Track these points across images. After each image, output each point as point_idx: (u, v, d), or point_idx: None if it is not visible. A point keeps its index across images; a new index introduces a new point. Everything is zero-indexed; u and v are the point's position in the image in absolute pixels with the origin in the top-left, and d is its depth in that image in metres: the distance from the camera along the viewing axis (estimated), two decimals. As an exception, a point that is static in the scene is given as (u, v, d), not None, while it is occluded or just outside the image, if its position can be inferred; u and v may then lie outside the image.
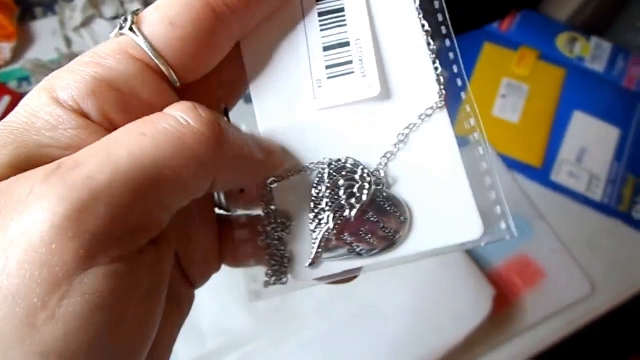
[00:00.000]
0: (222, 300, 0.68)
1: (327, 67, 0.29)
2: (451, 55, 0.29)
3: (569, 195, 0.78)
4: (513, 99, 0.83)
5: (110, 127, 0.24)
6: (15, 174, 0.22)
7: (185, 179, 0.23)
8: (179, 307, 0.30)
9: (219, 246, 0.32)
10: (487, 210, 0.28)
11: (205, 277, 0.32)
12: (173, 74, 0.26)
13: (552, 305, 0.72)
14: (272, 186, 0.29)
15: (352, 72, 0.28)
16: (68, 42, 0.85)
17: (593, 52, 0.86)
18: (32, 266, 0.19)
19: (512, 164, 0.80)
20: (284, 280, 0.29)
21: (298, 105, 0.29)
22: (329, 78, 0.29)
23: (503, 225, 0.28)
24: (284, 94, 0.29)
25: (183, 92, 0.28)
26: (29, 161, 0.22)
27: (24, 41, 0.85)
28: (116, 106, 0.24)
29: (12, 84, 0.82)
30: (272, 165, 0.28)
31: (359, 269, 0.29)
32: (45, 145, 0.23)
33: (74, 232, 0.19)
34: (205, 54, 0.27)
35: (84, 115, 0.24)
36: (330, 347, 0.68)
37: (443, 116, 0.29)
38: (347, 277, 0.29)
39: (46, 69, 0.81)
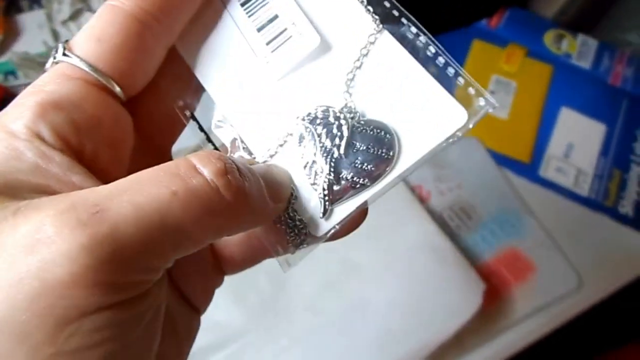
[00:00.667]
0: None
1: (267, 44, 0.30)
2: (431, 49, 0.30)
3: (557, 190, 0.79)
4: (501, 95, 0.84)
5: (65, 147, 0.24)
6: None
7: (205, 239, 0.24)
8: (182, 333, 0.30)
9: (211, 256, 0.32)
10: (462, 95, 0.29)
11: (207, 296, 0.32)
12: (113, 83, 0.27)
13: (541, 298, 0.73)
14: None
15: (290, 37, 0.30)
16: (55, 35, 0.84)
17: (580, 49, 0.87)
18: (43, 305, 0.19)
19: (501, 160, 0.81)
20: (306, 243, 0.30)
21: (254, 85, 0.31)
22: (272, 52, 0.30)
23: (482, 101, 0.28)
24: (236, 80, 0.31)
25: (136, 104, 0.29)
26: (2, 190, 0.22)
27: (9, 35, 0.84)
28: (67, 124, 0.24)
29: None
30: (281, 208, 0.29)
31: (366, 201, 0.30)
32: (12, 172, 0.23)
33: (93, 282, 0.20)
34: (139, 61, 0.28)
35: (40, 138, 0.24)
36: (321, 341, 0.68)
37: (385, 36, 0.30)
38: (360, 215, 0.30)
39: (34, 62, 0.80)
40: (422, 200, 0.78)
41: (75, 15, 0.86)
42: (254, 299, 0.70)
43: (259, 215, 0.27)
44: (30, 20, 0.87)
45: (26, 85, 0.27)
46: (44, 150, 0.24)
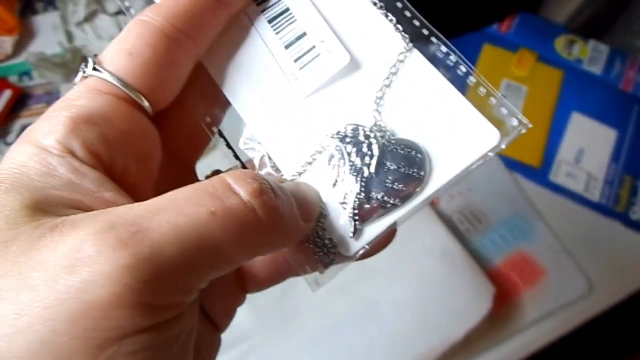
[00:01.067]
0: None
1: (295, 61, 0.30)
2: (442, 49, 0.30)
3: (568, 195, 0.79)
4: (512, 100, 0.83)
5: (97, 162, 0.24)
6: (27, 216, 0.21)
7: (241, 259, 0.24)
8: (205, 352, 0.30)
9: (235, 274, 0.32)
10: (494, 115, 0.28)
11: (229, 314, 0.32)
12: (142, 98, 0.27)
13: (550, 303, 0.72)
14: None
15: (319, 54, 0.30)
16: (69, 36, 0.85)
17: (591, 55, 0.87)
18: (83, 327, 0.19)
19: (512, 164, 0.81)
20: (335, 262, 0.29)
21: (282, 102, 0.30)
22: (300, 69, 0.30)
23: (514, 122, 0.28)
24: (263, 97, 0.31)
25: (163, 119, 0.29)
26: (36, 205, 0.22)
27: (25, 35, 0.85)
28: (98, 140, 0.24)
29: (13, 78, 0.81)
30: (311, 227, 0.29)
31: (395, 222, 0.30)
32: (45, 188, 0.23)
33: (134, 303, 0.20)
34: (167, 76, 0.28)
35: (72, 154, 0.24)
36: (329, 344, 0.68)
37: (415, 55, 0.30)
38: (389, 235, 0.30)
39: (49, 62, 0.80)
40: (432, 203, 0.77)
41: (89, 17, 0.86)
42: (263, 300, 0.69)
43: (290, 235, 0.27)
44: (45, 22, 0.88)
45: (41, 85, 0.27)
46: (77, 166, 0.24)
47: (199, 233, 0.21)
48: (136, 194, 0.25)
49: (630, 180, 0.79)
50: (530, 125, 0.28)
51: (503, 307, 0.71)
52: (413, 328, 0.68)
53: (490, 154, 0.28)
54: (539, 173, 0.80)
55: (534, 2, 0.92)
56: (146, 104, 0.27)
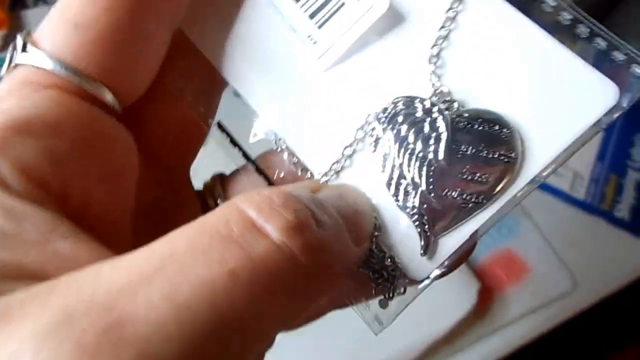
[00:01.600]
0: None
1: (311, 16, 0.22)
2: None
3: (554, 193, 0.78)
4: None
5: (40, 193, 0.16)
6: None
7: (279, 327, 0.16)
8: None
9: None
10: (605, 63, 0.21)
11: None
12: (103, 88, 0.18)
13: (535, 299, 0.72)
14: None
15: (344, 3, 0.21)
16: (60, 31, 0.84)
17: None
18: None
19: (498, 162, 0.80)
20: (401, 289, 0.21)
21: (301, 78, 0.22)
22: (320, 27, 0.21)
23: (637, 69, 0.20)
24: (276, 73, 0.22)
25: (137, 114, 0.20)
26: None
27: (15, 29, 0.81)
28: (39, 158, 0.16)
29: (3, 72, 0.81)
30: (365, 249, 0.20)
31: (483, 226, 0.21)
32: None
33: None
34: (135, 54, 0.19)
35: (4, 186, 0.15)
36: (313, 339, 0.66)
37: None
38: (470, 247, 0.22)
39: (38, 56, 0.80)
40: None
41: (80, 11, 0.86)
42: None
43: (342, 271, 0.18)
44: (36, 16, 0.84)
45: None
46: (8, 204, 0.15)
47: (216, 309, 0.13)
48: (107, 232, 0.17)
49: (615, 179, 0.78)
50: None
51: (488, 303, 0.71)
52: (397, 323, 0.67)
53: (606, 118, 0.20)
54: None
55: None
56: (109, 97, 0.19)
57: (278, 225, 0.15)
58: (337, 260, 0.17)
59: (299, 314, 0.17)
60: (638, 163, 0.79)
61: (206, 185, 0.25)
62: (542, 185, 0.76)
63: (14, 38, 0.74)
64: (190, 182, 0.25)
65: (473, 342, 0.70)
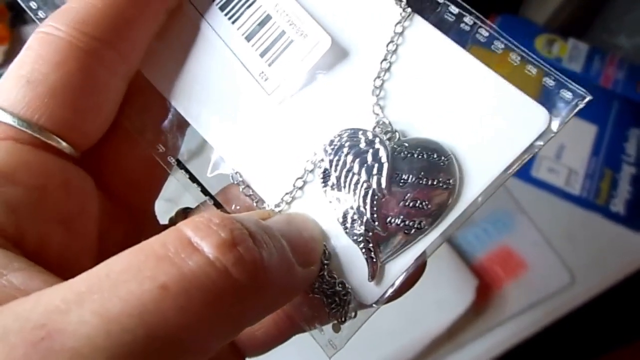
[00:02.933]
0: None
1: (262, 55, 0.23)
2: None
3: (549, 189, 0.78)
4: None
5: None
6: None
7: (215, 342, 0.16)
8: None
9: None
10: (536, 89, 0.21)
11: None
12: (57, 139, 0.19)
13: (533, 295, 0.72)
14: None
15: (291, 42, 0.22)
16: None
17: (570, 53, 0.85)
18: None
19: (494, 161, 0.80)
20: (352, 313, 0.22)
21: (253, 110, 0.23)
22: (270, 64, 0.23)
23: (567, 94, 0.21)
24: (230, 109, 0.23)
25: (98, 157, 0.21)
26: None
27: (15, 45, 0.82)
28: None
29: None
30: (314, 272, 0.21)
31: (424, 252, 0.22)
32: None
33: None
34: (89, 103, 0.20)
35: None
36: (313, 339, 0.68)
37: (417, 23, 0.22)
38: (419, 269, 0.23)
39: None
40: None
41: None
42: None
43: (286, 290, 0.19)
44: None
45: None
46: None
47: (146, 322, 0.14)
48: (67, 269, 0.18)
49: (610, 174, 0.78)
50: (589, 97, 0.21)
51: (486, 300, 0.72)
52: (397, 320, 0.68)
53: (539, 142, 0.21)
54: (521, 169, 0.79)
55: (514, 3, 0.93)
56: (64, 144, 0.20)
57: (212, 242, 0.16)
58: (278, 278, 0.18)
59: (238, 327, 0.17)
60: (632, 157, 0.79)
61: (171, 220, 0.26)
62: (537, 182, 0.77)
63: (15, 53, 0.76)
64: (155, 217, 0.26)
65: (472, 338, 0.70)
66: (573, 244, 0.76)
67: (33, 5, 0.24)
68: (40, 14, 0.24)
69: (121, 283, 0.15)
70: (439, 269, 0.70)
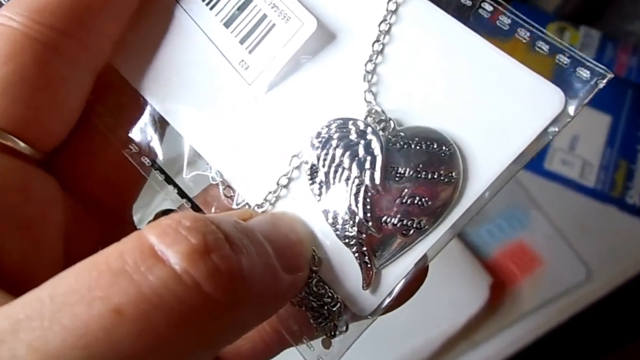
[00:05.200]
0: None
1: (242, 41, 0.21)
2: None
3: (563, 182, 0.76)
4: (504, 89, 0.82)
5: None
6: None
7: None
8: None
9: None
10: (550, 69, 0.19)
11: None
12: (13, 138, 0.18)
13: (548, 291, 0.70)
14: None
15: (273, 25, 0.20)
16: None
17: (582, 41, 0.82)
18: None
19: (505, 154, 0.79)
20: (343, 327, 0.20)
21: (234, 103, 0.21)
22: (251, 51, 0.21)
23: (585, 73, 0.19)
24: (209, 102, 0.21)
25: (65, 158, 0.20)
26: None
27: None
28: None
29: None
30: (301, 279, 0.19)
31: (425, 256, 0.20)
32: None
33: None
34: (49, 101, 0.19)
35: None
36: None
37: (412, 0, 0.20)
38: (420, 274, 0.20)
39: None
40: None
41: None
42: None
43: (269, 302, 0.17)
44: None
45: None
46: None
47: (93, 356, 0.12)
48: (27, 281, 0.15)
49: (625, 165, 0.76)
50: (610, 75, 0.19)
51: (500, 297, 0.70)
52: (411, 320, 0.66)
53: (553, 127, 0.19)
54: (534, 161, 0.75)
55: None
56: (22, 145, 0.18)
57: (180, 249, 0.14)
58: (261, 289, 0.16)
59: (213, 350, 0.15)
60: (648, 148, 0.78)
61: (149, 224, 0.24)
62: (550, 174, 0.76)
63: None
64: (133, 224, 0.24)
65: (488, 337, 0.69)
66: (588, 238, 0.73)
67: None
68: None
69: (66, 307, 0.12)
70: (452, 267, 0.69)
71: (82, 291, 0.13)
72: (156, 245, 0.14)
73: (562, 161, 0.78)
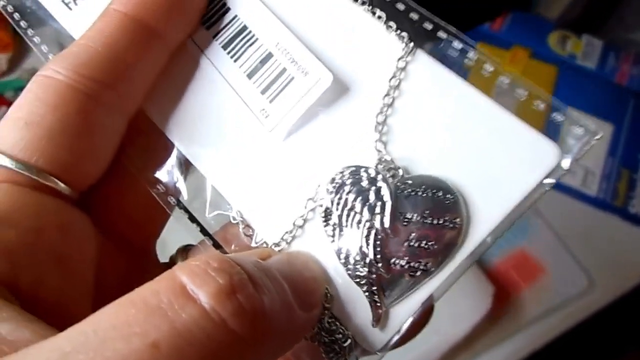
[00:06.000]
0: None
1: (263, 92, 0.22)
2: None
3: (565, 191, 0.76)
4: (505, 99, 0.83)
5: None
6: None
7: None
8: None
9: None
10: (545, 125, 0.21)
11: None
12: (55, 180, 0.19)
13: (550, 300, 0.71)
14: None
15: (292, 79, 0.22)
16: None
17: (584, 49, 0.83)
18: None
19: (508, 162, 0.79)
20: None
21: (254, 148, 0.23)
22: (271, 101, 0.22)
23: (578, 131, 0.20)
24: (231, 147, 0.23)
25: (98, 197, 0.21)
26: None
27: (19, 52, 0.83)
28: None
29: (9, 94, 0.79)
30: (316, 316, 0.20)
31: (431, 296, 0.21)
32: None
33: None
34: (87, 145, 0.20)
35: None
36: None
37: (420, 58, 0.22)
38: (425, 313, 0.22)
39: (43, 78, 0.81)
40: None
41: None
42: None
43: (286, 338, 0.18)
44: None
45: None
46: None
47: None
48: (63, 314, 0.17)
49: (627, 174, 0.77)
50: (601, 134, 0.20)
51: (503, 306, 0.70)
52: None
53: (549, 179, 0.20)
54: None
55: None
56: (62, 186, 0.20)
57: (209, 290, 0.15)
58: (280, 326, 0.17)
59: None
60: (650, 157, 0.79)
61: (171, 258, 0.25)
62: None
63: (19, 60, 0.75)
64: (156, 257, 0.26)
65: (490, 346, 0.69)
66: (591, 247, 0.74)
67: (23, 24, 0.25)
68: (29, 32, 0.25)
69: (108, 341, 0.14)
70: (455, 277, 0.69)
71: (122, 327, 0.14)
72: (188, 285, 0.15)
73: (564, 170, 0.78)
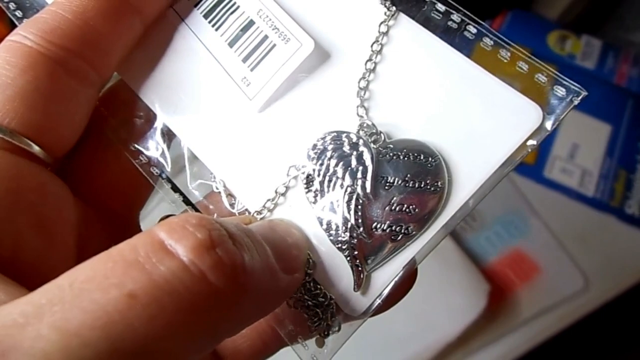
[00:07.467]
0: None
1: (244, 60, 0.23)
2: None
3: (562, 191, 0.77)
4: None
5: None
6: None
7: (191, 354, 0.15)
8: None
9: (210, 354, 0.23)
10: (528, 86, 0.21)
11: None
12: (28, 142, 0.19)
13: (546, 299, 0.71)
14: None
15: (274, 46, 0.22)
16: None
17: (584, 50, 0.84)
18: None
19: (505, 161, 0.79)
20: (336, 327, 0.22)
21: (236, 116, 0.23)
22: (252, 69, 0.22)
23: (560, 91, 0.21)
24: (213, 116, 0.23)
25: (77, 164, 0.21)
26: None
27: None
28: None
29: None
30: (298, 280, 0.20)
31: (414, 260, 0.21)
32: None
33: None
34: (59, 109, 0.20)
35: None
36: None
37: (402, 22, 0.22)
38: (410, 277, 0.22)
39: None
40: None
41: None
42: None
43: (268, 298, 0.18)
44: None
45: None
46: None
47: (109, 335, 0.13)
48: (42, 278, 0.16)
49: (624, 174, 0.77)
50: (585, 93, 0.20)
51: (498, 304, 0.70)
52: (408, 326, 0.68)
53: (532, 141, 0.20)
54: (533, 169, 0.78)
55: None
56: (36, 148, 0.20)
57: (187, 244, 0.15)
58: (260, 284, 0.17)
59: (216, 338, 0.17)
60: (647, 157, 0.79)
61: None
62: (550, 183, 0.76)
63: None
64: (139, 227, 0.26)
65: (485, 344, 0.69)
66: (587, 247, 0.74)
67: (18, 14, 0.25)
68: (18, 13, 0.25)
69: (85, 292, 0.14)
70: (451, 274, 0.69)
71: (99, 279, 0.14)
72: (166, 240, 0.15)
73: (561, 170, 0.78)
